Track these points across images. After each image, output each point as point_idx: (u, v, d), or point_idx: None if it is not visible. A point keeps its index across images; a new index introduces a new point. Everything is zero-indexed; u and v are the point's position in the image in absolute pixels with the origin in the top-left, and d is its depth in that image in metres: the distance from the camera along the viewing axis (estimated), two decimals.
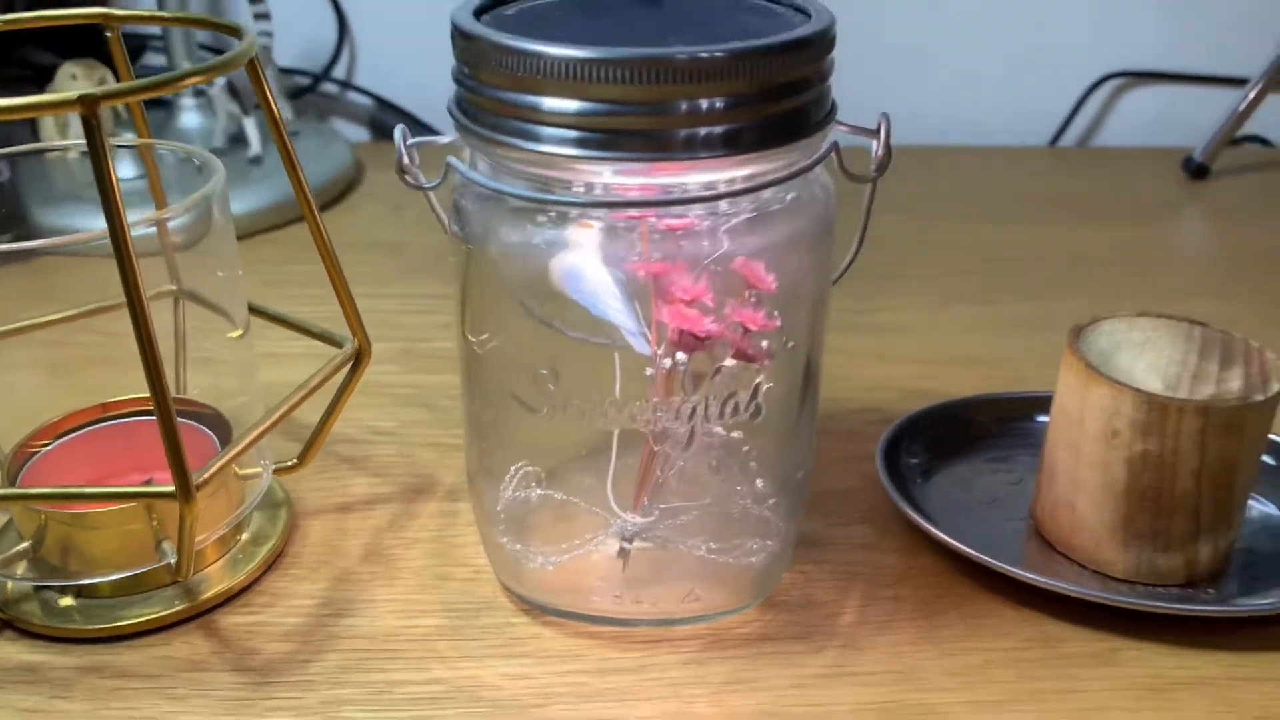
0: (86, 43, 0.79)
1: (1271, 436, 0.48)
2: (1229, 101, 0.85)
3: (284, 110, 0.82)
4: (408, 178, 0.39)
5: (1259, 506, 0.46)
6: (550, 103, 0.34)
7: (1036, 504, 0.45)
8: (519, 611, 0.41)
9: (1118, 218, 0.78)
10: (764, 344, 0.40)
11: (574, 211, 0.36)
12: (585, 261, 0.37)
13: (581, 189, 0.36)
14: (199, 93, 0.79)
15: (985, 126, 0.94)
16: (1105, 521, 0.42)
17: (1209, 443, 0.40)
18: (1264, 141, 0.93)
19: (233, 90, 0.77)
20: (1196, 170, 0.84)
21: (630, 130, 0.34)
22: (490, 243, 0.37)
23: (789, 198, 0.38)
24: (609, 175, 0.35)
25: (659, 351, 0.38)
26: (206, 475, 0.36)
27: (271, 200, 0.74)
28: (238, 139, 0.80)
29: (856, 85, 0.95)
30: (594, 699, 0.37)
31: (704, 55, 0.34)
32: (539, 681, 0.38)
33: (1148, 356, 0.44)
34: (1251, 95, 0.82)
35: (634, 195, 0.36)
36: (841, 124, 0.39)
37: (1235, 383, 0.41)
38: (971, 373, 0.57)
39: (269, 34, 0.83)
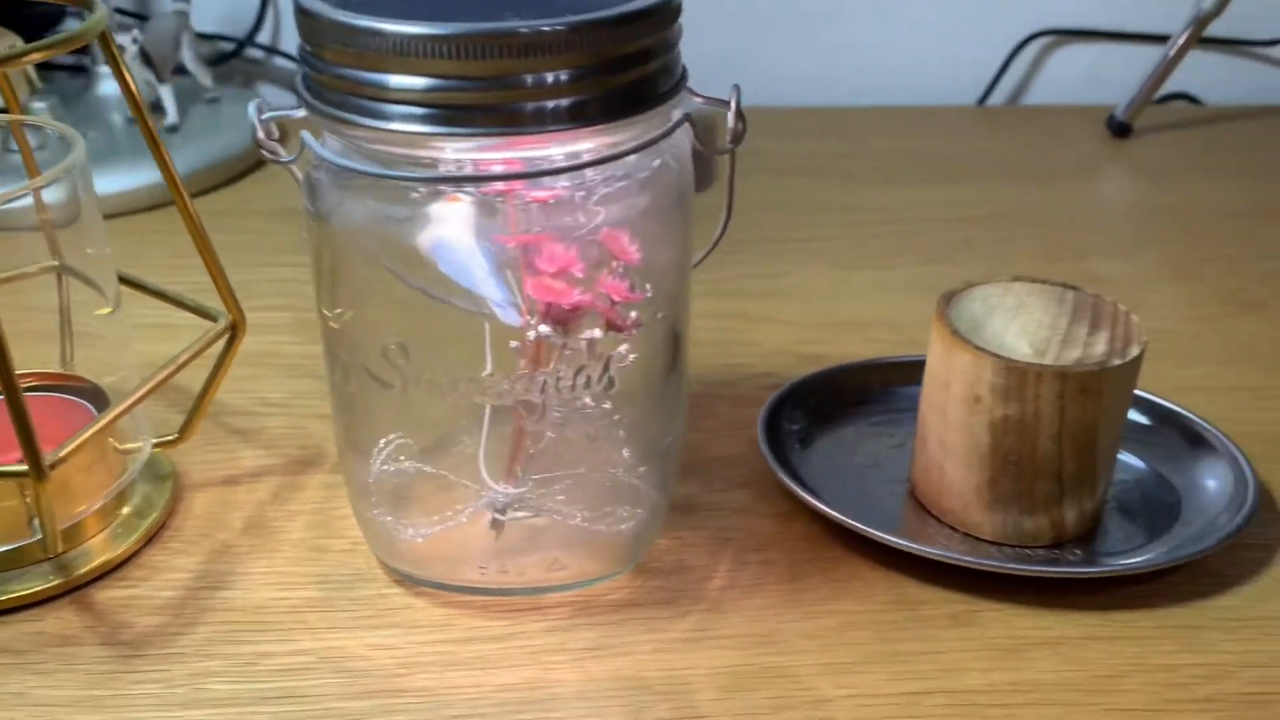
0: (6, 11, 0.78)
1: (1148, 396, 0.49)
2: (1157, 59, 0.85)
3: (204, 78, 0.81)
4: (265, 152, 0.39)
5: (1137, 466, 0.47)
6: (395, 80, 0.34)
7: (912, 467, 0.46)
8: (393, 583, 0.42)
9: (1038, 177, 0.78)
10: (633, 314, 0.40)
11: (423, 187, 0.36)
12: (453, 235, 0.38)
13: (431, 164, 0.36)
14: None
15: (913, 86, 0.93)
16: (972, 484, 0.43)
17: (1067, 407, 0.40)
18: (1193, 99, 0.93)
19: (146, 58, 0.76)
20: (1119, 129, 0.84)
21: (472, 105, 0.34)
22: (340, 217, 0.37)
23: (653, 167, 0.38)
24: (451, 152, 0.35)
25: (531, 322, 0.39)
26: (63, 453, 0.37)
27: (189, 168, 0.74)
28: (157, 107, 0.79)
29: (783, 46, 0.95)
30: (457, 667, 0.38)
31: (546, 29, 0.33)
32: (405, 651, 0.38)
33: (1020, 320, 0.44)
34: (1172, 53, 0.82)
35: (480, 170, 0.36)
36: (695, 94, 0.39)
37: (1100, 346, 0.42)
38: (865, 336, 0.57)
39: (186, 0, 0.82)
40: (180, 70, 0.81)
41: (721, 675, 0.37)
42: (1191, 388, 0.53)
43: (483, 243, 0.37)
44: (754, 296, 0.62)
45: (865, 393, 0.51)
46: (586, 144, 0.36)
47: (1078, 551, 0.43)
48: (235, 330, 0.44)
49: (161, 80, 0.77)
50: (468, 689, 0.37)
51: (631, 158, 0.38)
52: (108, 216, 0.45)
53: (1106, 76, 0.92)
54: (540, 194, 0.38)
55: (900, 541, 0.41)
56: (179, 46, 0.79)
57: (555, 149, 0.36)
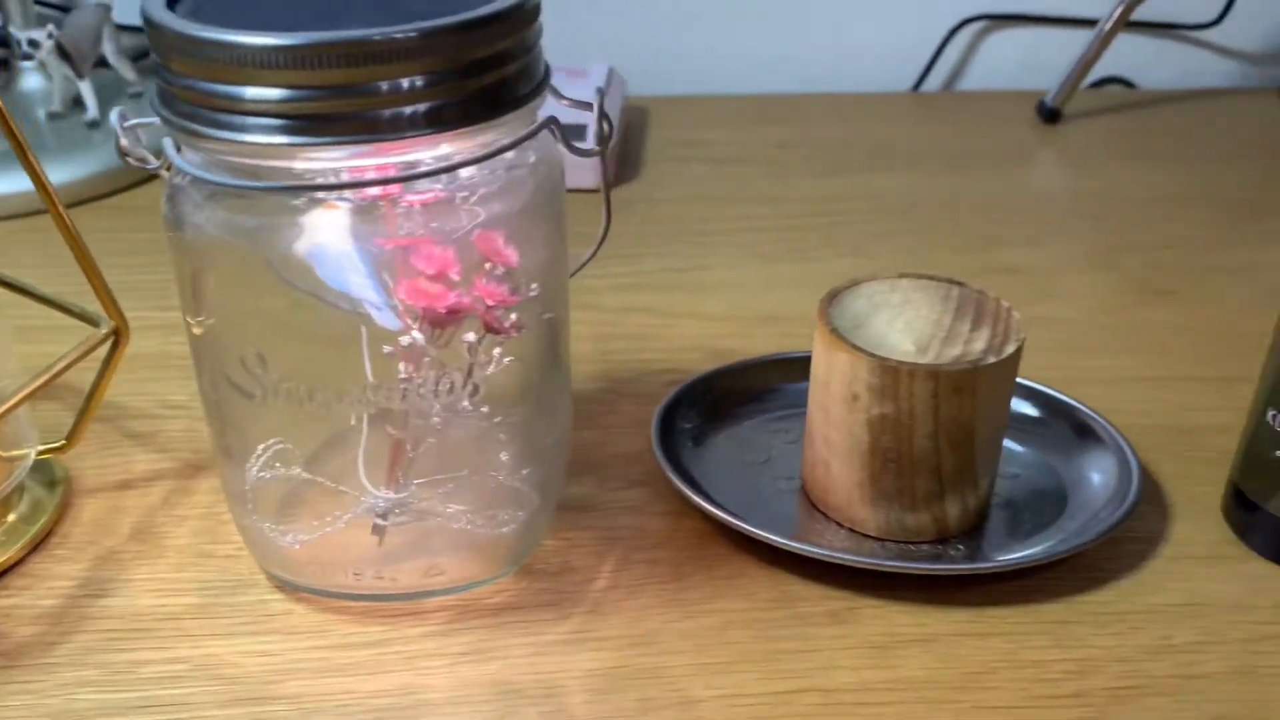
0: None
1: (1040, 388, 0.49)
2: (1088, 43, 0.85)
3: (126, 72, 0.81)
4: (131, 160, 0.38)
5: (1027, 459, 0.47)
6: (245, 91, 0.33)
7: (802, 465, 0.46)
8: (274, 589, 0.41)
9: (967, 165, 0.78)
10: (513, 317, 0.40)
11: (301, 195, 0.36)
12: (330, 241, 0.37)
13: (289, 173, 0.36)
14: (28, 56, 0.77)
15: (851, 73, 0.93)
16: (855, 481, 0.43)
17: (941, 405, 0.40)
18: (1127, 83, 0.94)
19: (63, 53, 0.75)
20: (1049, 114, 0.84)
21: (325, 115, 0.34)
22: (197, 227, 0.36)
23: (524, 169, 0.38)
24: (313, 160, 0.34)
25: (413, 326, 0.38)
26: None
27: (108, 165, 0.73)
28: (79, 102, 0.78)
29: (720, 35, 0.95)
30: (331, 674, 0.38)
31: (398, 36, 0.33)
32: (280, 658, 0.38)
33: (905, 318, 0.44)
34: (1100, 37, 0.82)
35: (350, 177, 0.36)
36: (561, 96, 0.39)
37: (980, 344, 0.42)
38: (778, 331, 0.57)
39: None
40: (103, 64, 0.80)
41: (595, 678, 0.38)
42: (1093, 379, 0.53)
43: (362, 247, 0.37)
44: (673, 290, 0.62)
45: (765, 389, 0.51)
46: (451, 147, 0.36)
47: (960, 547, 0.43)
48: (119, 336, 0.44)
49: (80, 76, 0.76)
50: (339, 695, 0.37)
51: (506, 159, 0.38)
52: (23, 215, 0.45)
53: (1041, 61, 0.92)
54: (416, 197, 0.38)
55: (778, 539, 0.41)
56: (100, 40, 0.78)
57: (422, 153, 0.36)
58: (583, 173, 0.73)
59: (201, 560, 0.43)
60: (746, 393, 0.51)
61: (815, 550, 0.41)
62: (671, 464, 0.45)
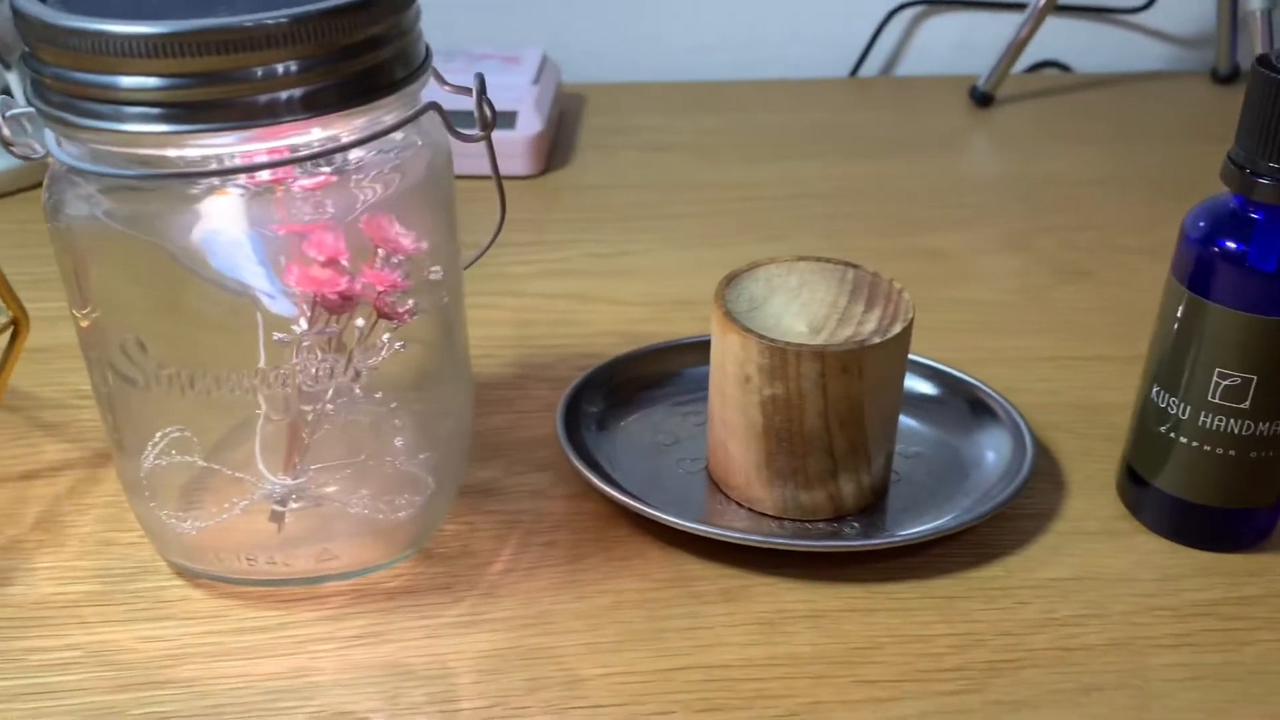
0: None
1: (942, 367, 0.50)
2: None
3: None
4: (15, 150, 0.38)
5: (928, 437, 0.48)
6: (118, 80, 0.33)
7: (707, 446, 0.47)
8: (174, 575, 0.42)
9: (897, 150, 0.79)
10: (410, 303, 0.40)
11: (201, 182, 0.36)
12: (223, 228, 0.38)
13: (186, 159, 0.36)
14: None
15: (789, 58, 0.94)
16: (751, 461, 0.43)
17: (829, 385, 0.41)
18: (1063, 67, 0.94)
19: None
20: (981, 99, 0.85)
21: (199, 102, 0.34)
22: (75, 216, 0.36)
23: (411, 153, 0.38)
24: (188, 149, 0.35)
25: (308, 313, 0.39)
26: None
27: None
28: (6, 92, 0.78)
29: (657, 21, 0.95)
30: (224, 658, 0.38)
31: (269, 22, 0.33)
32: (174, 643, 0.39)
33: (802, 299, 0.45)
34: (1029, 21, 0.83)
35: (231, 163, 0.36)
36: (444, 82, 0.39)
37: (870, 324, 0.43)
38: (695, 315, 0.58)
39: None
40: None
41: (485, 659, 0.38)
42: (1002, 359, 0.54)
43: (256, 233, 0.37)
44: (595, 276, 0.63)
45: (677, 372, 0.51)
46: (331, 131, 0.36)
47: (856, 525, 0.44)
48: (18, 327, 0.44)
49: (8, 68, 0.75)
50: (231, 679, 0.37)
51: (393, 143, 0.38)
52: None
53: (979, 45, 0.93)
54: (309, 181, 0.38)
55: (671, 518, 0.42)
56: None
57: (306, 138, 0.36)
58: (515, 160, 0.73)
59: (103, 548, 0.43)
60: (658, 376, 0.51)
61: (705, 529, 0.41)
62: (575, 447, 0.46)
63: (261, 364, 0.38)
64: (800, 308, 0.44)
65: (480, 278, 0.62)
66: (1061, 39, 0.93)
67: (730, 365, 0.42)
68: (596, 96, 0.87)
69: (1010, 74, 0.87)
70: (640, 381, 0.51)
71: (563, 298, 0.60)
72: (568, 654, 0.38)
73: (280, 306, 0.38)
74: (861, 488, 0.44)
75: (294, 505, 0.41)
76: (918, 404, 0.49)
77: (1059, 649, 0.38)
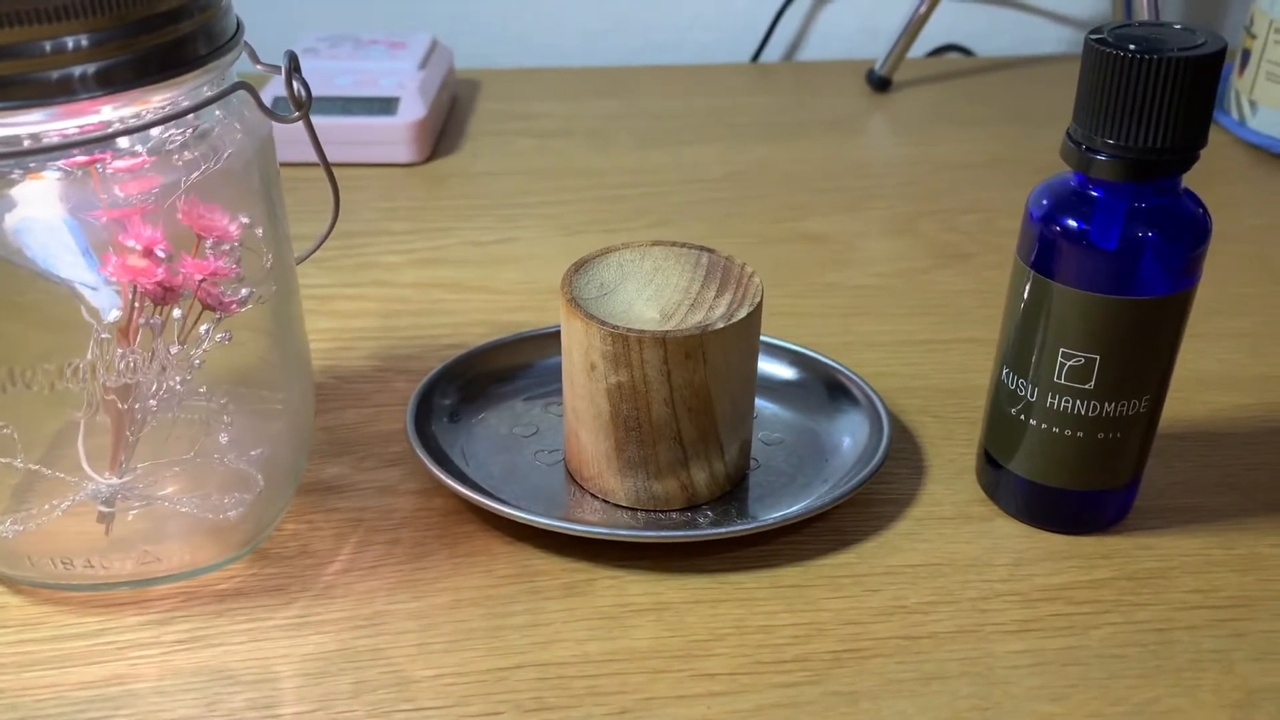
0: None
1: (806, 351, 0.49)
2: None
3: None
4: None
5: (790, 423, 0.47)
6: None
7: (565, 437, 0.46)
8: None
9: (792, 134, 0.78)
10: (242, 292, 0.39)
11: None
12: (36, 216, 0.36)
13: None
14: None
15: (691, 43, 0.93)
16: (602, 451, 0.42)
17: (673, 371, 0.40)
18: (965, 51, 0.94)
19: None
20: (879, 83, 0.84)
21: None
22: None
23: (227, 137, 0.37)
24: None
25: (135, 305, 0.37)
26: None
27: None
28: None
29: (556, 5, 0.93)
30: (35, 667, 0.36)
31: None
32: None
33: (655, 285, 0.44)
34: (924, 5, 0.83)
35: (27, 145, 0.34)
36: (256, 60, 0.38)
37: (720, 309, 0.42)
38: None
39: None
40: None
41: (311, 662, 0.37)
42: (874, 343, 0.53)
43: (76, 219, 0.36)
44: (473, 264, 0.61)
45: (540, 361, 0.50)
46: (133, 109, 0.34)
47: (710, 513, 0.43)
48: None
49: None
50: (40, 690, 0.35)
51: (209, 127, 0.36)
52: None
53: (880, 29, 0.92)
54: (121, 164, 0.36)
55: (514, 512, 0.40)
56: None
57: (110, 116, 0.35)
58: (397, 147, 0.72)
59: None
60: (521, 366, 0.50)
61: (546, 522, 0.40)
62: (426, 441, 0.44)
63: (85, 359, 0.37)
64: (653, 294, 0.43)
65: (349, 268, 0.60)
66: (963, 23, 0.93)
67: (576, 353, 0.41)
68: (491, 82, 0.86)
69: (911, 58, 0.87)
70: (502, 372, 0.50)
71: (436, 287, 0.59)
72: (399, 655, 0.37)
73: (103, 298, 0.37)
74: (715, 476, 0.43)
75: (121, 506, 0.40)
76: (781, 390, 0.48)
77: (904, 637, 0.38)
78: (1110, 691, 0.36)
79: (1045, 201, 0.39)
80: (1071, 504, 0.41)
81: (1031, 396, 0.40)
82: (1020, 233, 0.40)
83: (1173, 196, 0.37)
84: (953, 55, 0.94)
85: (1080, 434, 0.40)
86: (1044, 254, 0.38)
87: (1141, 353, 0.38)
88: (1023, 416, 0.41)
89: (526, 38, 0.92)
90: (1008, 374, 0.41)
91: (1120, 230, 0.37)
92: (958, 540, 0.42)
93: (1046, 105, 0.82)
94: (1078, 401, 0.39)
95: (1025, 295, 0.39)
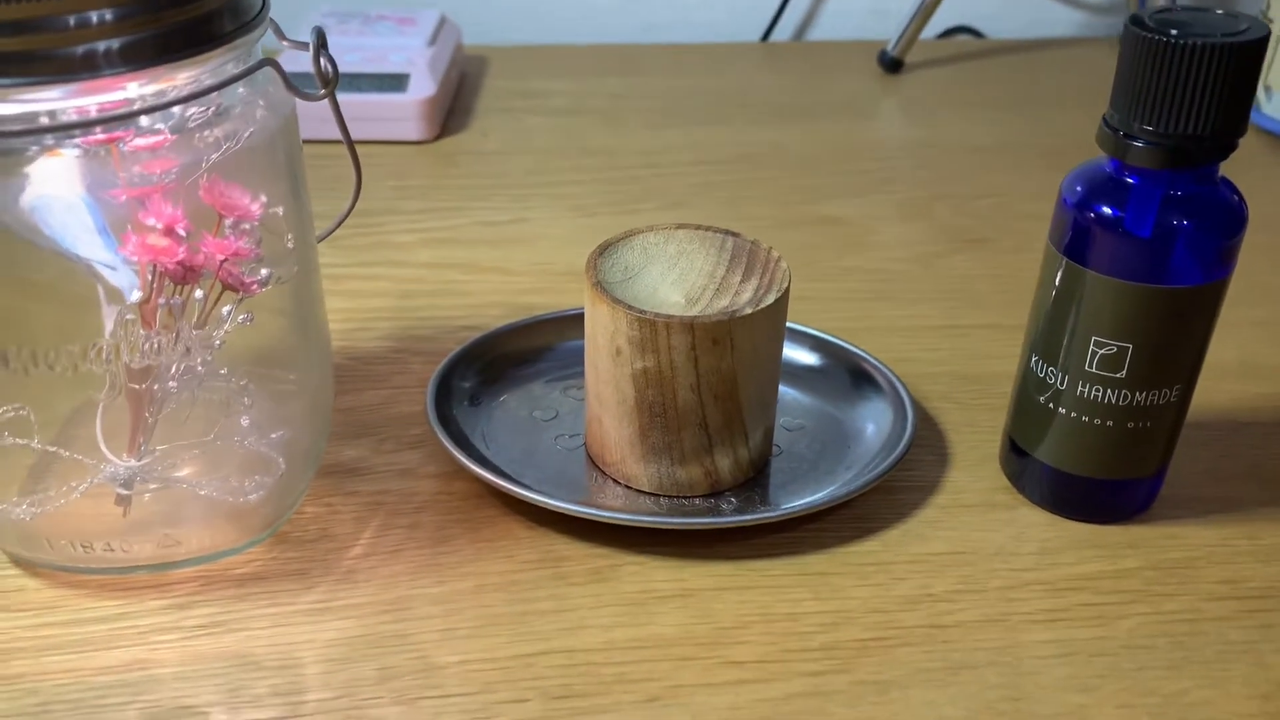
0: None
1: (828, 338, 0.48)
2: None
3: None
4: None
5: (813, 409, 0.47)
6: None
7: (585, 421, 0.45)
8: (9, 564, 0.39)
9: (804, 116, 0.77)
10: (263, 273, 0.38)
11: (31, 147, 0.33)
12: (54, 194, 0.35)
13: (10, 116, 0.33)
14: None
15: (700, 21, 0.92)
16: (625, 437, 0.42)
17: (700, 357, 0.39)
18: (975, 32, 0.93)
19: None
20: (891, 64, 0.83)
21: (10, 54, 0.31)
22: None
23: (251, 115, 0.36)
24: (10, 106, 0.32)
25: (155, 285, 0.37)
26: None
27: None
28: None
29: None
30: (56, 651, 0.36)
31: None
32: (2, 637, 0.37)
33: (680, 269, 0.43)
34: None
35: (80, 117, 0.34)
36: (283, 37, 0.37)
37: (746, 294, 0.41)
38: (580, 284, 0.56)
39: None
40: None
41: (335, 647, 0.36)
42: (894, 327, 0.53)
43: (94, 198, 0.35)
44: (486, 244, 0.60)
45: (559, 344, 0.50)
46: (158, 87, 0.34)
47: (734, 500, 0.42)
48: None
49: None
50: (60, 675, 0.35)
51: (232, 104, 0.36)
52: None
53: (890, 10, 0.91)
54: (143, 141, 0.36)
55: (538, 497, 0.40)
56: None
57: (132, 93, 0.34)
58: (407, 125, 0.71)
59: None
60: (540, 349, 0.49)
61: (571, 507, 0.40)
62: (446, 424, 0.44)
63: (104, 339, 0.36)
64: (678, 277, 0.42)
65: (362, 247, 0.59)
66: (974, 4, 0.92)
67: (601, 338, 0.41)
68: (501, 59, 0.85)
69: (922, 39, 0.86)
70: (521, 354, 0.49)
71: (450, 267, 0.58)
72: (424, 641, 0.36)
73: (122, 278, 0.36)
74: (739, 462, 0.42)
75: (140, 488, 0.39)
76: (802, 376, 0.48)
77: (931, 626, 0.37)
78: (1140, 683, 0.36)
79: (1079, 188, 0.38)
80: (1100, 493, 0.41)
81: (1061, 384, 0.40)
82: (1053, 218, 0.39)
83: (1210, 184, 0.37)
84: (964, 37, 0.93)
85: (1110, 423, 0.39)
86: (1077, 240, 0.38)
87: (1174, 342, 0.38)
88: (1051, 404, 0.40)
89: (534, 14, 0.91)
90: (1037, 362, 0.41)
91: (1155, 218, 0.37)
92: (982, 528, 0.42)
93: (1058, 89, 0.82)
94: (1109, 390, 0.39)
95: (1057, 282, 0.39)
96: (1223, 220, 0.37)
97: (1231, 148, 0.36)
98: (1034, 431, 0.42)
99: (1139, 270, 0.37)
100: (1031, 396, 0.41)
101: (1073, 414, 0.40)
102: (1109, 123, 0.37)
